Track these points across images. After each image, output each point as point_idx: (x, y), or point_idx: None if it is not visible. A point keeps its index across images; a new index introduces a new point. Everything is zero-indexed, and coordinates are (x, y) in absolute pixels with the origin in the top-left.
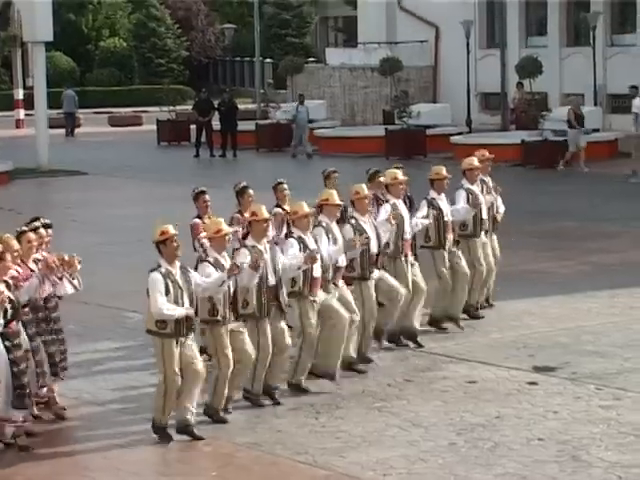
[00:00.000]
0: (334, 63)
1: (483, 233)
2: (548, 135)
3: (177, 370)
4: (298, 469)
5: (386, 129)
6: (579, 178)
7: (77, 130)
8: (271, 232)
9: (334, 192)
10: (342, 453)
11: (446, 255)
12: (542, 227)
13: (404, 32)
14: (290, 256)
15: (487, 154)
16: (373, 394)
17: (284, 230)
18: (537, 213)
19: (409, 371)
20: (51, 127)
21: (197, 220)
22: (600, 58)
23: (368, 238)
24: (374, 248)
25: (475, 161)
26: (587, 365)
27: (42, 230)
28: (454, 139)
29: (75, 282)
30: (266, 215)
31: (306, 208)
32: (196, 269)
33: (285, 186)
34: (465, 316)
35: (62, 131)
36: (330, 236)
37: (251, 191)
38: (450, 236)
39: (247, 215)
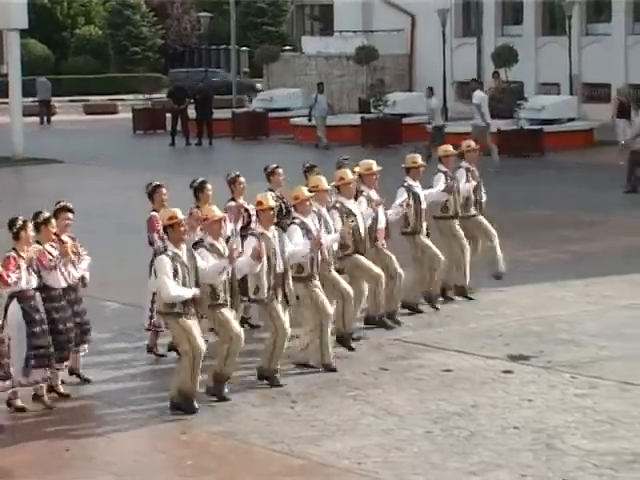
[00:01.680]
0: (310, 51)
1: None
2: (524, 124)
3: (199, 337)
4: (273, 458)
5: (362, 118)
6: (554, 167)
7: (52, 118)
8: (228, 227)
9: (323, 178)
10: (317, 442)
11: (424, 240)
12: (516, 216)
13: (380, 20)
14: (296, 243)
15: (473, 144)
16: (348, 383)
17: (239, 224)
18: (512, 202)
19: (384, 359)
20: (26, 115)
21: (154, 213)
22: (575, 47)
23: (355, 222)
24: (362, 230)
25: (450, 148)
26: (562, 354)
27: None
28: (430, 128)
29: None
30: (272, 204)
31: (306, 192)
32: None
33: (281, 171)
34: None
35: (37, 119)
36: (321, 221)
37: (209, 185)
38: (425, 223)
39: (202, 211)
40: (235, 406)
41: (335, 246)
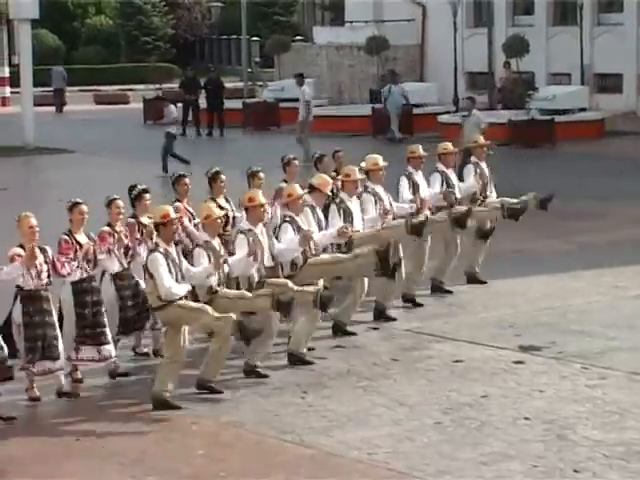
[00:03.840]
0: (321, 42)
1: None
2: (535, 114)
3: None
4: (284, 448)
5: (373, 108)
6: (565, 158)
7: (64, 108)
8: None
9: (327, 178)
10: (328, 432)
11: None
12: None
13: (391, 10)
14: (287, 241)
15: (481, 140)
16: (359, 373)
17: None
18: (522, 192)
19: (395, 350)
20: (37, 105)
21: (132, 220)
22: (587, 37)
23: (351, 224)
24: (359, 226)
25: (450, 146)
26: (573, 344)
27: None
28: (441, 118)
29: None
30: (262, 200)
31: (299, 190)
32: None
33: (297, 162)
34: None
35: (48, 109)
36: (315, 217)
37: (187, 180)
38: (427, 212)
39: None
40: (245, 397)
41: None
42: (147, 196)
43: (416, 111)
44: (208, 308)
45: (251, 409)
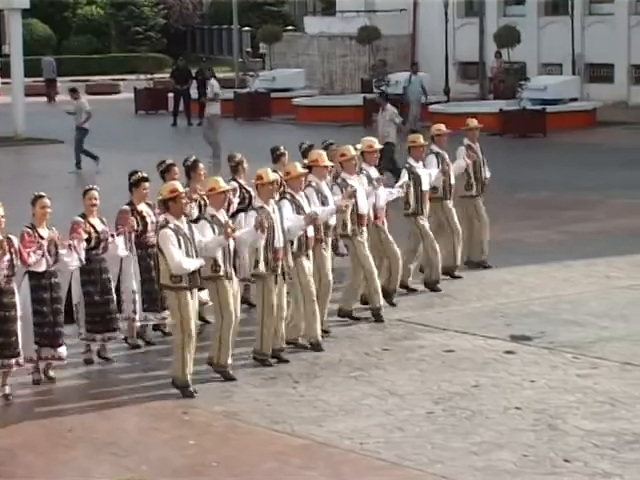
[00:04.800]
0: (312, 32)
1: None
2: (526, 104)
3: (193, 320)
4: (275, 438)
5: (364, 98)
6: (557, 148)
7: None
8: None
9: (323, 153)
10: (320, 422)
11: (425, 221)
12: (519, 196)
13: (383, 0)
14: (292, 219)
15: (476, 122)
16: (350, 363)
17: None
18: (514, 182)
19: (386, 340)
20: (28, 95)
21: (79, 219)
22: (578, 27)
23: (354, 190)
24: (363, 209)
25: (443, 127)
26: (564, 334)
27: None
28: (433, 108)
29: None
30: (272, 177)
31: (299, 169)
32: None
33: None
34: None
35: (39, 99)
36: (319, 196)
37: (202, 165)
38: (428, 203)
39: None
40: (237, 386)
41: (333, 220)
42: (146, 184)
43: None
44: (191, 314)
45: (243, 399)
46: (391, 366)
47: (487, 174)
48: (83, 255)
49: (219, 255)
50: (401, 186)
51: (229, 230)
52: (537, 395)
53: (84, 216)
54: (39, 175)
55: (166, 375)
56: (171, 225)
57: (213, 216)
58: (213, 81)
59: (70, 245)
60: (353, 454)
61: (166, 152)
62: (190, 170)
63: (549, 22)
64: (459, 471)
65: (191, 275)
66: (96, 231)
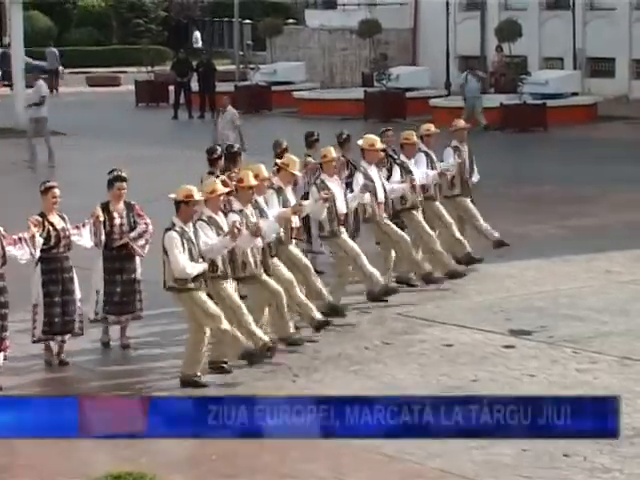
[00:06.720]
0: (313, 24)
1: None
2: (527, 98)
3: (215, 307)
4: None
5: (365, 91)
6: (557, 142)
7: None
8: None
9: (296, 160)
10: None
11: (420, 215)
12: (520, 191)
13: None
14: (267, 221)
15: (463, 123)
16: (350, 357)
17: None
18: (515, 177)
19: (386, 334)
20: (29, 86)
21: (36, 216)
22: (580, 21)
23: (331, 194)
24: (342, 208)
25: (432, 127)
26: (564, 329)
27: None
28: (433, 102)
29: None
30: (252, 182)
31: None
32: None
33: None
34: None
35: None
36: (281, 198)
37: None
38: (420, 198)
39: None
40: (236, 379)
41: (324, 214)
42: (123, 184)
43: (408, 95)
44: (211, 303)
45: (243, 392)
46: (391, 360)
47: (475, 178)
48: (35, 250)
49: (219, 259)
50: (403, 181)
51: (235, 231)
52: (536, 390)
53: (43, 215)
54: (40, 165)
55: (163, 367)
56: (177, 228)
57: (210, 217)
58: (41, 81)
59: (20, 238)
60: (352, 448)
61: (167, 145)
62: (230, 158)
63: (550, 16)
64: (459, 465)
65: (195, 278)
66: (55, 229)
